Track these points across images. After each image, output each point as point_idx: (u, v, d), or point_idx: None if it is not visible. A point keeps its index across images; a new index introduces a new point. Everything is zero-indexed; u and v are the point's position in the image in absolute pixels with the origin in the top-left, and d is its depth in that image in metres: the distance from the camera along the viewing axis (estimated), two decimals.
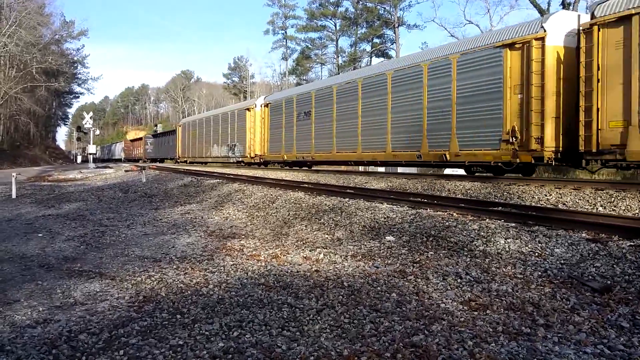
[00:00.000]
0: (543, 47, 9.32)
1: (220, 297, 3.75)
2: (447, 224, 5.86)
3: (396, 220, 6.40)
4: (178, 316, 3.32)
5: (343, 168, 20.51)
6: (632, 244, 4.49)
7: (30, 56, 44.26)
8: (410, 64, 12.91)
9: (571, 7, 25.17)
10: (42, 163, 51.43)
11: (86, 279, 4.45)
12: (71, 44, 63.58)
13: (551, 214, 5.90)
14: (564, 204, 7.08)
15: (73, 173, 23.16)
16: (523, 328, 2.99)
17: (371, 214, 6.93)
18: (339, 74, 43.42)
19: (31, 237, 6.86)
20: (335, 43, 53.32)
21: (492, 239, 5.07)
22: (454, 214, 6.44)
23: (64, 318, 3.33)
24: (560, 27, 9.43)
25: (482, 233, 5.31)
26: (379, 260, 4.83)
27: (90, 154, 31.93)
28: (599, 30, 8.42)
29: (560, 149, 9.34)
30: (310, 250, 5.43)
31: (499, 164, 10.20)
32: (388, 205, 7.40)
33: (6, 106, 45.69)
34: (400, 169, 19.30)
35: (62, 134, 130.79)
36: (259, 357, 2.65)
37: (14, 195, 12.89)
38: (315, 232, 6.49)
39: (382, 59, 47.06)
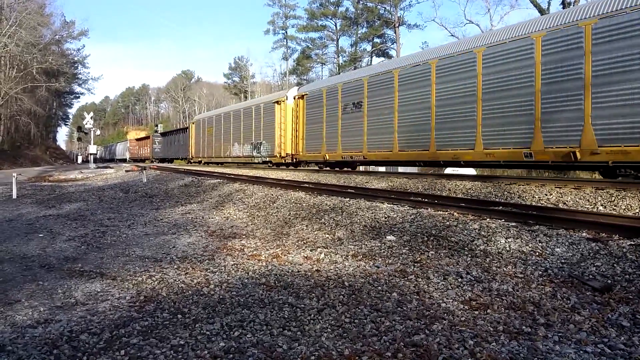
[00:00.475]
0: None
1: (221, 297, 3.76)
2: (447, 223, 5.86)
3: (397, 220, 6.40)
4: (179, 316, 3.33)
5: (401, 170, 18.18)
6: (632, 243, 4.49)
7: (30, 56, 44.29)
8: (515, 35, 10.10)
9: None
10: (42, 163, 51.45)
11: (87, 279, 4.45)
12: (71, 44, 63.81)
13: (552, 214, 5.90)
14: (565, 204, 7.07)
15: (73, 173, 23.18)
16: (524, 327, 3.00)
17: (372, 213, 6.93)
18: (339, 73, 43.08)
19: (32, 238, 6.87)
20: (335, 43, 53.36)
21: (493, 239, 5.07)
22: (455, 213, 6.45)
23: (65, 318, 3.33)
24: None
25: (483, 232, 5.31)
26: (380, 259, 4.84)
27: (90, 154, 31.84)
28: None
29: None
30: (311, 250, 5.44)
31: None
32: (389, 205, 7.40)
33: (7, 106, 45.72)
34: (400, 169, 18.77)
35: (62, 134, 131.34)
36: (260, 356, 2.66)
37: (14, 196, 12.91)
38: (316, 232, 6.49)
39: (382, 58, 47.09)
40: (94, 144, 31.90)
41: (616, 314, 3.13)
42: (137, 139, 55.38)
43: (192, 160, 32.13)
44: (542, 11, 27.34)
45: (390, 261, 4.75)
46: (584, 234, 4.94)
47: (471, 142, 10.85)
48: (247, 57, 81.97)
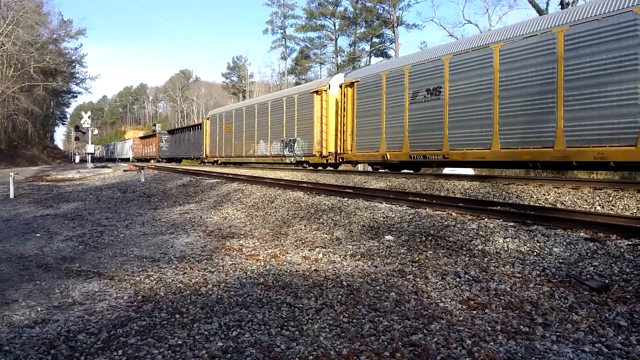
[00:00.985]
0: None
1: (219, 296, 3.75)
2: (446, 223, 5.86)
3: (395, 220, 6.41)
4: (177, 316, 3.32)
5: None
6: (630, 243, 4.50)
7: (27, 55, 44.21)
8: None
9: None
10: (40, 163, 51.33)
11: (85, 279, 4.44)
12: (69, 43, 63.62)
13: (550, 213, 5.91)
14: (563, 204, 7.09)
15: (71, 173, 23.13)
16: (521, 327, 3.00)
17: (370, 213, 6.93)
18: (337, 73, 42.58)
19: (29, 237, 6.85)
20: (334, 42, 53.42)
21: (491, 239, 5.08)
22: (453, 213, 6.45)
23: (62, 318, 3.32)
24: None
25: (481, 232, 5.32)
26: (378, 259, 4.84)
27: (88, 153, 31.72)
28: None
29: None
30: (309, 250, 5.43)
31: None
32: (387, 205, 7.41)
33: (4, 106, 45.63)
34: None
35: (60, 134, 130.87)
36: (258, 356, 2.65)
37: (11, 195, 12.87)
38: (314, 232, 6.49)
39: (381, 58, 47.11)
40: (91, 143, 31.81)
41: (614, 314, 3.13)
42: (142, 137, 52.96)
43: (206, 161, 28.61)
44: (540, 11, 27.37)
45: (388, 261, 4.75)
46: (582, 234, 4.95)
47: (633, 137, 7.55)
48: (246, 56, 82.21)
